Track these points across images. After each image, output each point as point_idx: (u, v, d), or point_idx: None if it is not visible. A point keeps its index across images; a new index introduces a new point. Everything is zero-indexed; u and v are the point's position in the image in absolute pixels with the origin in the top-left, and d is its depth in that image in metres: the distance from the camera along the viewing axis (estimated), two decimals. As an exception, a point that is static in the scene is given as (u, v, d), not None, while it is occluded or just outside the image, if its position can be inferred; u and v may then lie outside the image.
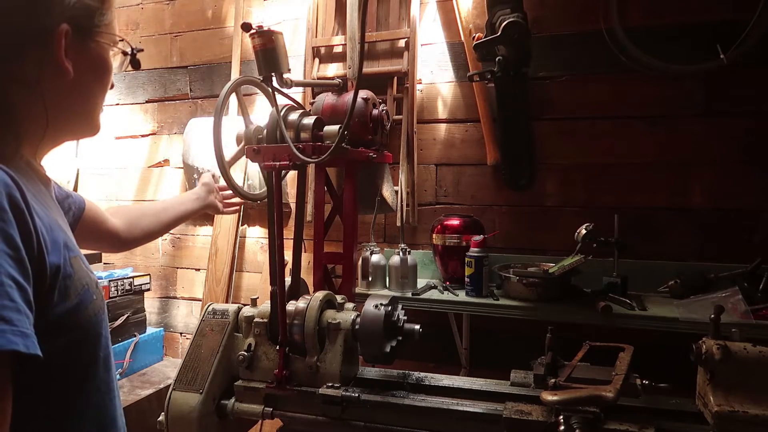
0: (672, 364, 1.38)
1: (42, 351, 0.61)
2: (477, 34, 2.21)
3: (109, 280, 2.40)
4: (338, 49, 2.47)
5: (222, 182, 1.57)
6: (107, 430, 0.80)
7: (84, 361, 0.75)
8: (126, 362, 2.40)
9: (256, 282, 2.68)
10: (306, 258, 2.31)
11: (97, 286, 0.78)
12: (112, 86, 0.86)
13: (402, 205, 2.28)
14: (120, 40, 0.84)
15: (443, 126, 2.37)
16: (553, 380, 1.14)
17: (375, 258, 2.10)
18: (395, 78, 2.35)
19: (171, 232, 2.86)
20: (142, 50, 0.91)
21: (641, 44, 2.03)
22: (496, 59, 2.01)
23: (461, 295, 1.98)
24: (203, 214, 2.79)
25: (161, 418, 1.33)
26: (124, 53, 0.87)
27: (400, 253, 2.04)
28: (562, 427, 1.04)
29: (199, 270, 2.82)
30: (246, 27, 1.45)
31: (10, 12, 0.70)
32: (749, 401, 1.00)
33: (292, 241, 1.56)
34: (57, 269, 0.67)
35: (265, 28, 1.44)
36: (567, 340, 1.33)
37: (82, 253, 0.78)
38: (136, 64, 0.89)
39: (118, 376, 2.31)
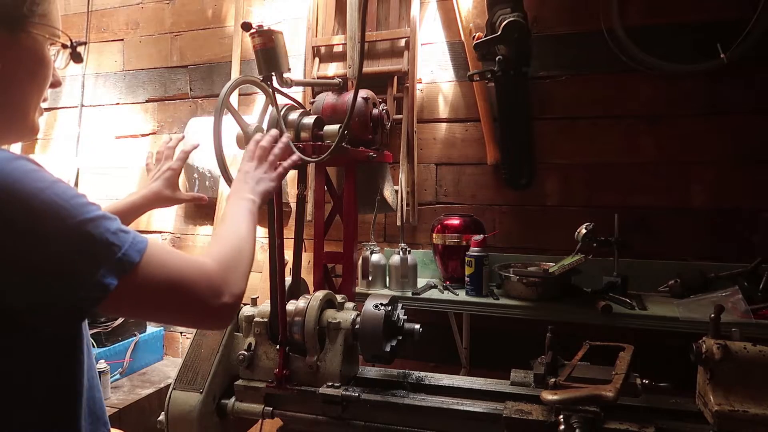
0: (672, 364, 1.38)
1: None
2: (477, 34, 2.21)
3: (109, 280, 2.40)
4: (338, 49, 2.46)
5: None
6: (99, 413, 0.82)
7: (78, 340, 0.76)
8: (126, 362, 2.40)
9: (256, 282, 2.68)
10: (306, 257, 2.31)
11: None
12: (56, 84, 0.80)
13: (402, 205, 2.28)
14: (61, 35, 0.77)
15: (443, 125, 2.37)
16: (553, 380, 1.14)
17: (375, 257, 2.10)
18: (395, 77, 2.35)
19: (171, 231, 2.87)
20: (84, 43, 0.83)
21: (641, 44, 2.03)
22: (497, 59, 2.01)
23: (461, 295, 1.98)
24: (203, 214, 2.79)
25: (161, 417, 1.33)
26: (64, 46, 0.79)
27: (400, 253, 2.05)
28: (562, 427, 1.04)
29: (199, 269, 2.81)
30: (246, 26, 1.45)
31: None
32: (749, 400, 1.00)
33: (292, 240, 1.56)
34: None
35: (265, 28, 1.44)
36: (567, 339, 1.33)
37: None
38: (77, 58, 0.82)
39: (118, 375, 2.32)
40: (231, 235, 0.87)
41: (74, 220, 0.62)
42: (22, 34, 0.72)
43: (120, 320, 2.41)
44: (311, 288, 1.70)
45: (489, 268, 1.95)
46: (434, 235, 2.13)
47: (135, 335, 2.49)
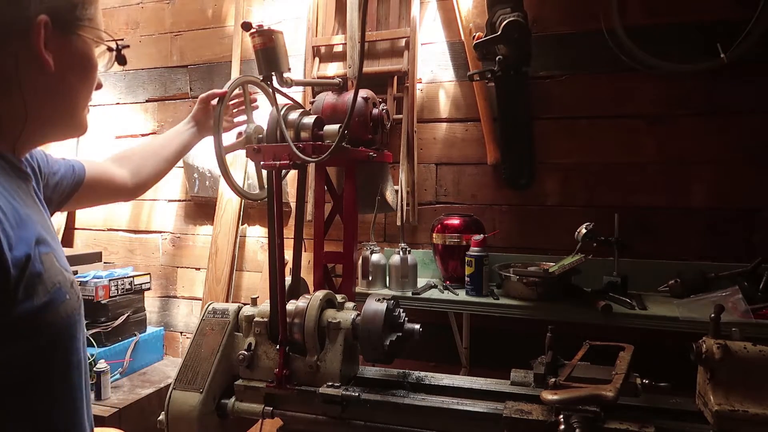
0: (672, 364, 1.38)
1: (5, 350, 0.62)
2: (477, 34, 2.21)
3: (109, 280, 2.40)
4: (338, 49, 2.46)
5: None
6: None
7: (56, 361, 0.72)
8: (126, 361, 2.40)
9: (256, 281, 2.68)
10: (306, 257, 2.31)
11: (72, 285, 0.74)
12: (99, 87, 0.82)
13: (402, 205, 2.28)
14: (107, 37, 0.80)
15: (443, 125, 2.37)
16: (553, 379, 1.14)
17: (375, 257, 2.10)
18: (395, 77, 2.35)
19: (171, 231, 2.87)
20: (128, 46, 0.85)
21: (641, 43, 2.03)
22: (497, 58, 2.01)
23: (461, 295, 1.98)
24: (203, 214, 2.79)
25: (161, 417, 1.33)
26: (110, 49, 0.82)
27: (400, 253, 2.04)
28: (562, 427, 1.04)
29: (199, 269, 2.82)
30: (246, 26, 1.44)
31: None
32: (749, 400, 1.00)
33: (292, 240, 1.56)
34: (21, 265, 0.64)
35: (265, 28, 1.44)
36: (567, 339, 1.33)
37: (63, 250, 0.76)
38: (121, 60, 0.84)
39: (118, 375, 2.32)
40: None
41: None
42: (74, 36, 0.75)
43: (120, 320, 2.41)
44: (311, 288, 1.70)
45: (489, 267, 1.95)
46: (434, 234, 2.13)
47: (135, 335, 2.49)
